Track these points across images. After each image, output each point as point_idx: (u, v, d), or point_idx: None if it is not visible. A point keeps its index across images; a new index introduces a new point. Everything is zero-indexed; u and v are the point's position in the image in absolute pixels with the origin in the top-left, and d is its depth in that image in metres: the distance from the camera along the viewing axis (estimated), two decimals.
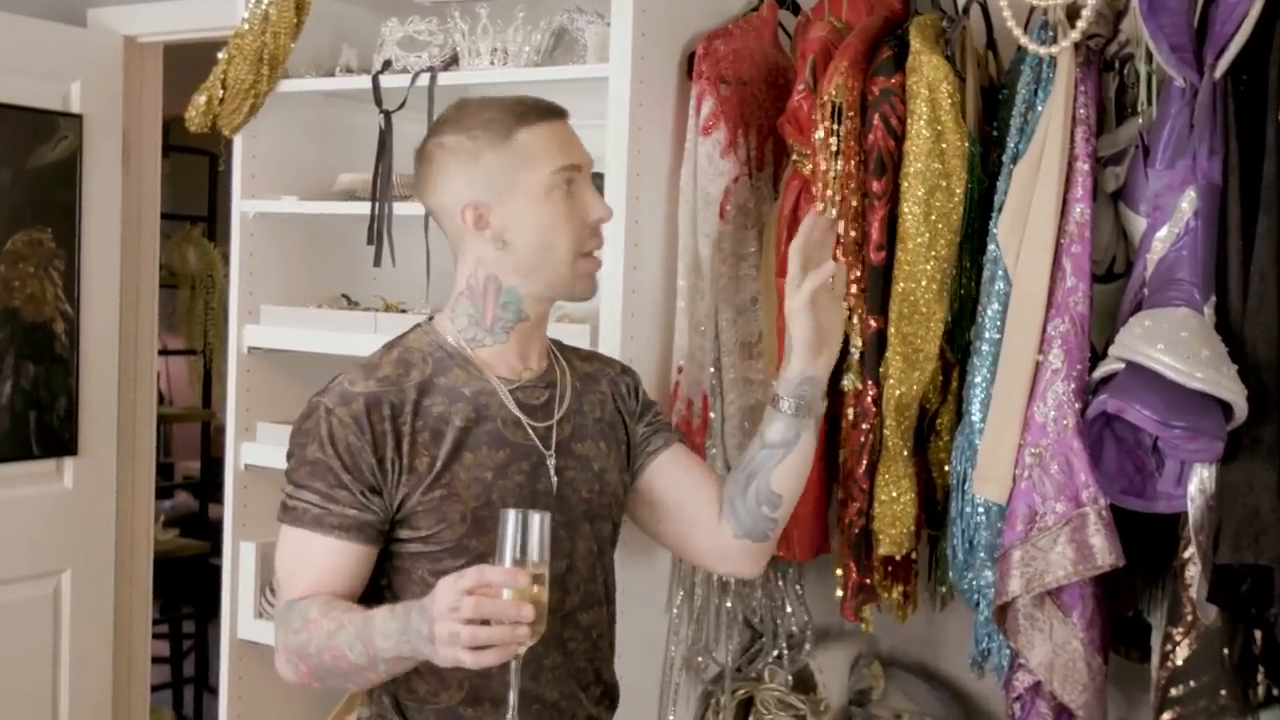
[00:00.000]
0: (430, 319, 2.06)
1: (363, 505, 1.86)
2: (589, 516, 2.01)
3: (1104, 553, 2.23)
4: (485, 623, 1.61)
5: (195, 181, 5.74)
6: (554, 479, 1.96)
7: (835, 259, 2.01)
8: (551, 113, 1.97)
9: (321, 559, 1.86)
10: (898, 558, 2.55)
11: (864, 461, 2.47)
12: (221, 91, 2.96)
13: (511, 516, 1.68)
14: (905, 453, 2.47)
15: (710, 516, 2.11)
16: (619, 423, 2.11)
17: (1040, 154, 2.31)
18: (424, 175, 2.00)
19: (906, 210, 2.41)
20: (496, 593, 1.62)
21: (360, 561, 1.88)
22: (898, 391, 2.43)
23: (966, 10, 2.58)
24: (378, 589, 1.93)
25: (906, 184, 2.41)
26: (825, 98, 2.46)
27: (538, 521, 1.68)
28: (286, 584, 1.90)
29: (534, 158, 1.92)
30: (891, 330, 2.44)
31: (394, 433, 1.87)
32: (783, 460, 2.05)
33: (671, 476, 2.14)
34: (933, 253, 2.40)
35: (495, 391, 1.96)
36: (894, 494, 2.45)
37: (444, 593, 1.64)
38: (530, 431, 1.96)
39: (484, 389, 1.96)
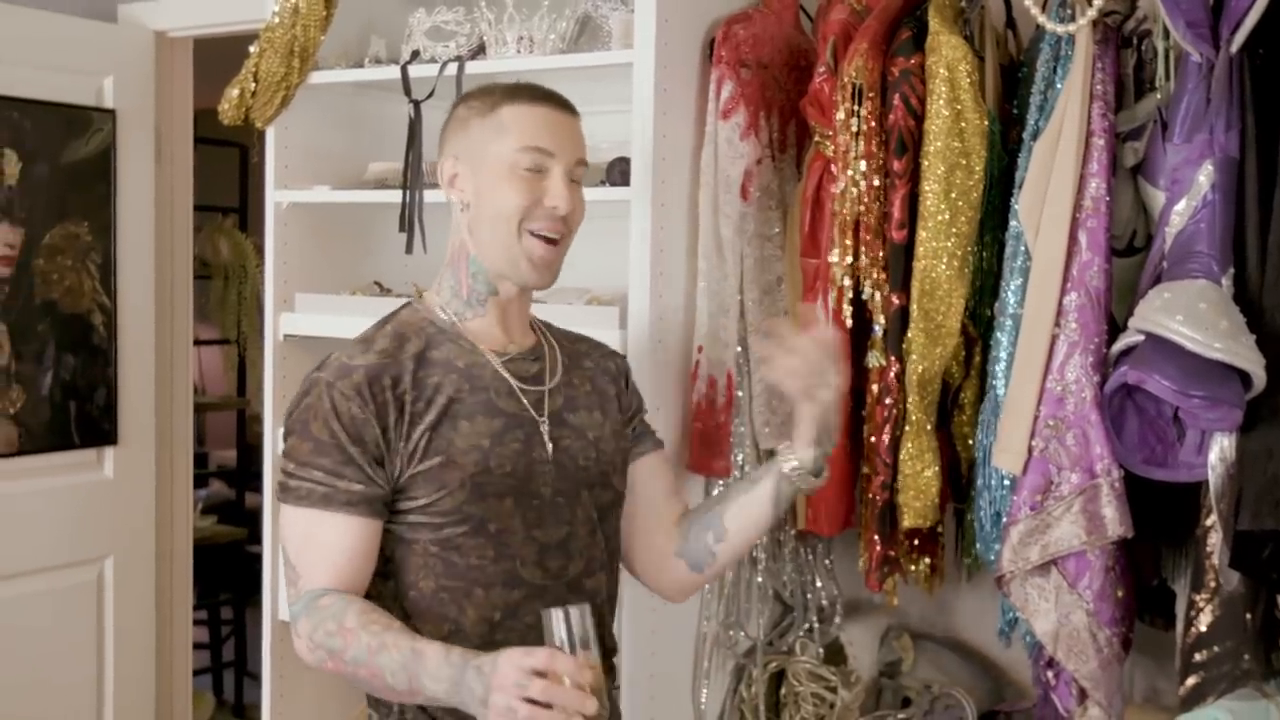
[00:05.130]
0: (420, 296, 2.11)
1: (368, 479, 1.88)
2: (587, 484, 2.05)
3: (1114, 524, 2.27)
4: (548, 706, 1.65)
5: (226, 173, 5.79)
6: (549, 446, 2.00)
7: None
8: (545, 98, 2.02)
9: (333, 538, 1.88)
10: (923, 530, 2.59)
11: (887, 436, 2.52)
12: (253, 84, 3.01)
13: (557, 615, 1.71)
14: (929, 427, 2.51)
15: (661, 534, 2.17)
16: (610, 398, 2.16)
17: (1059, 130, 2.34)
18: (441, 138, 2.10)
19: (927, 189, 2.45)
20: (559, 680, 1.66)
21: (370, 537, 1.91)
22: (920, 367, 2.47)
23: None
24: (381, 562, 1.94)
25: (927, 163, 2.44)
26: (846, 79, 2.50)
27: (580, 615, 1.72)
28: (302, 567, 1.91)
29: (506, 132, 1.98)
30: (914, 307, 2.48)
31: (395, 402, 1.91)
32: (747, 498, 2.11)
33: (646, 483, 2.19)
34: (953, 230, 2.44)
35: (488, 363, 2.00)
36: (918, 467, 2.49)
37: (508, 667, 1.68)
38: (523, 401, 2.01)
39: (476, 361, 2.00)
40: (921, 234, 2.47)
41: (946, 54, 2.43)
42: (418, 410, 1.92)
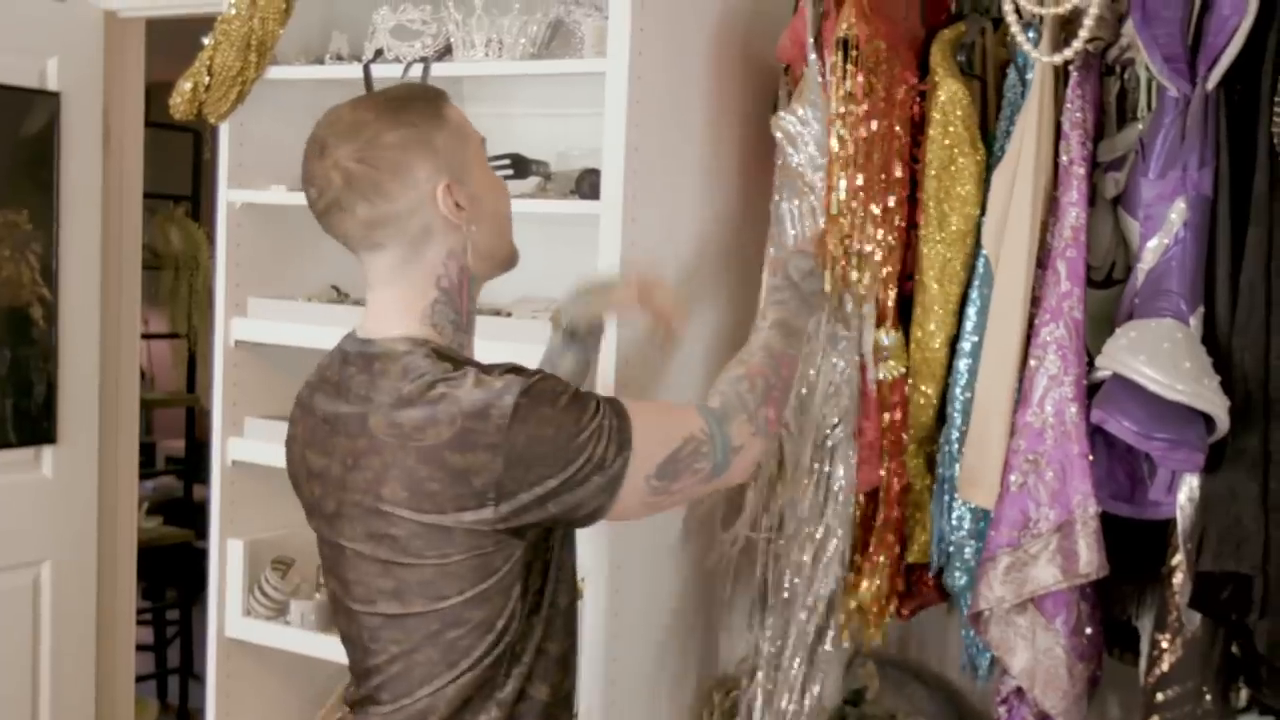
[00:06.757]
0: (407, 343, 1.88)
1: None
2: None
3: (1089, 562, 2.24)
4: None
5: (178, 159, 5.65)
6: None
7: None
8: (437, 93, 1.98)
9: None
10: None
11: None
12: (208, 79, 2.90)
13: None
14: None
15: None
16: None
17: (1017, 158, 2.32)
18: (370, 185, 1.85)
19: (922, 225, 2.46)
20: None
21: None
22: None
23: (987, 12, 2.56)
24: (514, 576, 1.85)
25: (922, 196, 2.46)
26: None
27: None
28: (686, 419, 1.91)
29: (467, 132, 1.92)
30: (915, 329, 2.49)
31: None
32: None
33: None
34: (944, 246, 2.44)
35: None
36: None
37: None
38: None
39: None
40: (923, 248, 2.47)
41: (943, 97, 2.41)
42: None
